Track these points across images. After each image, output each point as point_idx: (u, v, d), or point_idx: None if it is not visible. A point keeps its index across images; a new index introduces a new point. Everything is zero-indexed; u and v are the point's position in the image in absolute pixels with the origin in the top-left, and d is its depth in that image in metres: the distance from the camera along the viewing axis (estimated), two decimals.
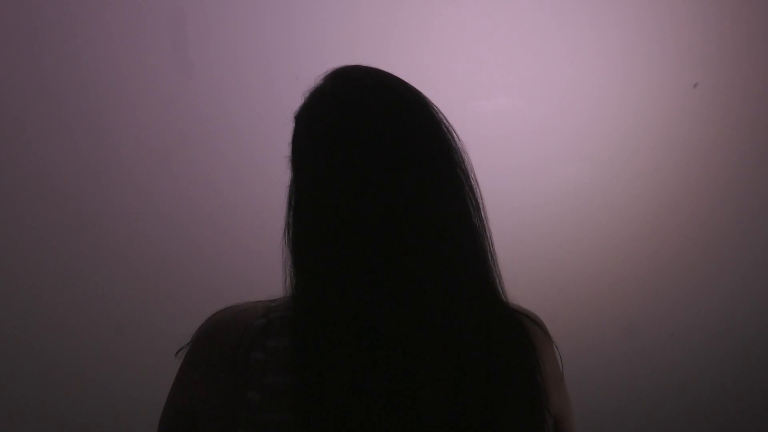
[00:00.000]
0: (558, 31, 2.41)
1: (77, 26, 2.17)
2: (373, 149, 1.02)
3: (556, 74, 2.41)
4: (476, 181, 1.07)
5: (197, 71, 2.22)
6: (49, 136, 2.18)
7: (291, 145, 1.09)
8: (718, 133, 2.51)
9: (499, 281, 1.07)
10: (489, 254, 1.06)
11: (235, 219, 2.25)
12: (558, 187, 2.43)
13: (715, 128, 2.51)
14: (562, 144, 2.43)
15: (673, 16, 2.46)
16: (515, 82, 2.40)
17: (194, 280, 2.22)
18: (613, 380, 2.45)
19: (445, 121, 1.07)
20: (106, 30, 2.19)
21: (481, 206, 1.07)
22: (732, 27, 2.49)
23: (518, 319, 1.08)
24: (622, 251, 2.47)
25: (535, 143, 2.41)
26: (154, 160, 2.21)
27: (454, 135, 1.07)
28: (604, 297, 2.46)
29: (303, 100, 1.09)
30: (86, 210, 2.20)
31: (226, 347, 1.01)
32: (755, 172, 2.54)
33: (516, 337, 1.06)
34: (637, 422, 2.49)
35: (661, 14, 2.45)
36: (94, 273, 2.20)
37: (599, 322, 2.45)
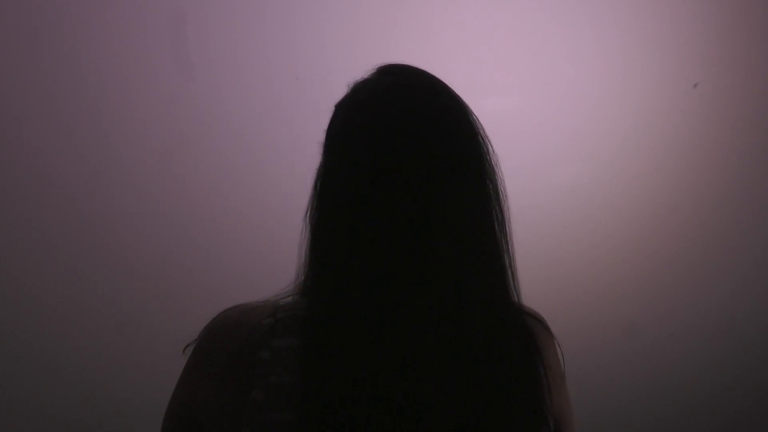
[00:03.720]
0: (558, 31, 2.41)
1: (77, 26, 2.17)
2: (406, 149, 1.02)
3: (556, 74, 2.41)
4: (505, 196, 1.08)
5: (197, 71, 2.22)
6: (49, 136, 2.18)
7: (326, 131, 1.09)
8: (718, 133, 2.51)
9: (518, 297, 1.07)
10: (508, 269, 1.06)
11: (235, 219, 2.25)
12: (558, 187, 2.43)
13: (715, 128, 2.51)
14: (562, 144, 2.43)
15: (673, 16, 2.46)
16: (515, 82, 2.40)
17: (194, 280, 2.22)
18: (613, 380, 2.45)
19: (482, 131, 1.07)
20: (106, 30, 2.19)
21: (506, 222, 1.07)
22: (732, 27, 2.49)
23: (522, 319, 1.08)
24: (622, 251, 2.47)
25: (535, 143, 2.41)
26: (154, 160, 2.21)
27: (490, 147, 1.07)
28: (604, 297, 2.46)
29: (347, 91, 1.10)
30: (86, 210, 2.20)
31: (233, 346, 1.01)
32: (755, 172, 2.54)
33: (520, 337, 1.06)
34: (637, 422, 2.49)
35: (661, 14, 2.45)
36: (94, 273, 2.20)
37: (599, 322, 2.45)
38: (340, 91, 1.11)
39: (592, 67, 2.43)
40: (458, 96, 1.09)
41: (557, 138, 2.42)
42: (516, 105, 2.40)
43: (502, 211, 1.07)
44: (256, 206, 2.23)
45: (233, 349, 1.01)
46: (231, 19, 2.24)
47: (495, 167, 1.07)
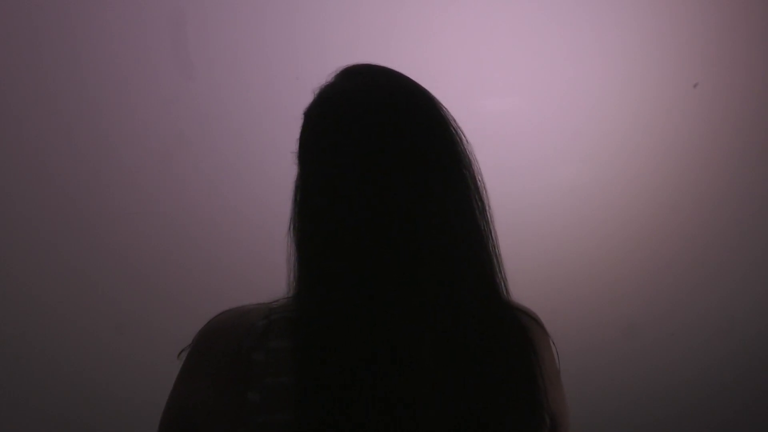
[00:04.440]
0: (558, 31, 2.41)
1: (77, 26, 2.17)
2: (380, 148, 1.02)
3: (556, 74, 2.41)
4: (483, 183, 1.08)
5: (197, 71, 2.22)
6: (49, 136, 2.18)
7: (299, 140, 1.09)
8: (718, 133, 2.51)
9: (504, 284, 1.07)
10: (493, 256, 1.06)
11: (235, 219, 2.25)
12: (558, 187, 2.43)
13: (715, 128, 2.51)
14: (562, 144, 2.43)
15: (673, 16, 2.46)
16: (515, 82, 2.40)
17: (194, 280, 2.22)
18: (613, 380, 2.45)
19: (453, 122, 1.07)
20: (106, 30, 2.19)
21: (487, 208, 1.07)
22: (732, 27, 2.49)
23: (516, 317, 1.08)
24: (622, 251, 2.47)
25: (535, 143, 2.41)
26: (154, 160, 2.21)
27: (462, 137, 1.07)
28: (604, 297, 2.46)
29: (313, 97, 1.09)
30: (86, 210, 2.20)
31: (228, 349, 1.02)
32: (755, 172, 2.54)
33: (515, 335, 1.06)
34: (637, 422, 2.49)
35: (661, 14, 2.45)
36: (94, 273, 2.20)
37: (599, 322, 2.45)
38: (309, 99, 1.10)
39: (592, 67, 2.43)
40: (426, 90, 1.09)
41: (557, 138, 2.42)
42: (516, 105, 2.40)
43: (482, 200, 1.07)
44: (256, 206, 2.22)
45: (229, 351, 1.01)
46: (231, 19, 2.24)
47: (470, 156, 1.07)
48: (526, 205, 2.36)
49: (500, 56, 2.37)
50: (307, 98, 1.11)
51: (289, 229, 1.06)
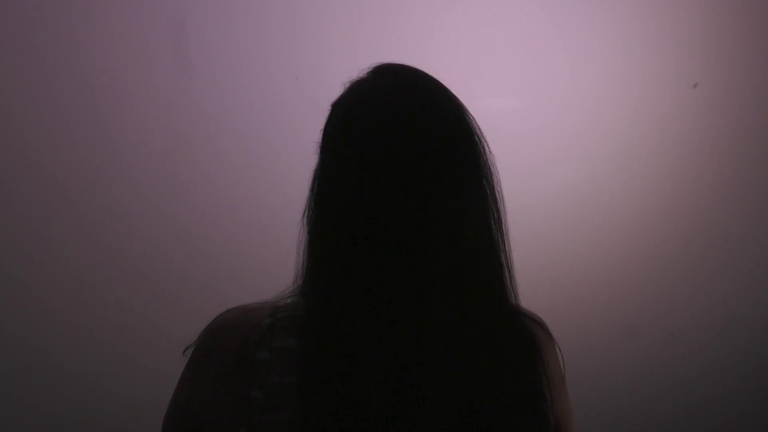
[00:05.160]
0: (558, 31, 2.41)
1: (77, 26, 2.17)
2: (403, 149, 1.02)
3: (557, 74, 2.41)
4: (501, 195, 1.08)
5: (197, 71, 2.22)
6: (49, 136, 2.18)
7: (323, 131, 1.09)
8: (718, 133, 2.51)
9: (515, 296, 1.07)
10: (505, 269, 1.07)
11: (235, 219, 2.25)
12: (558, 187, 2.43)
13: (715, 128, 2.51)
14: (562, 144, 2.43)
15: (673, 16, 2.46)
16: (515, 82, 2.40)
17: (194, 280, 2.22)
18: (613, 380, 2.45)
19: (478, 131, 1.08)
20: (106, 30, 2.19)
21: (503, 221, 1.07)
22: (732, 27, 2.49)
23: (523, 322, 1.08)
24: (622, 251, 2.47)
25: (535, 143, 2.41)
26: (154, 160, 2.21)
27: (486, 147, 1.08)
28: (604, 297, 2.46)
29: (343, 90, 1.10)
30: (86, 210, 2.20)
31: (232, 346, 1.02)
32: (755, 172, 2.54)
33: (521, 340, 1.06)
34: (637, 422, 2.49)
35: (661, 14, 2.45)
36: (94, 273, 2.20)
37: (599, 322, 2.45)
38: (339, 91, 1.11)
39: (591, 67, 2.43)
40: (455, 95, 1.10)
41: (557, 138, 2.42)
42: (516, 105, 2.40)
43: (498, 211, 1.08)
44: (256, 206, 2.23)
45: (233, 349, 1.01)
46: (231, 19, 2.24)
47: (492, 167, 1.08)
48: (527, 205, 2.36)
49: (500, 57, 2.37)
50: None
51: (303, 216, 1.06)
